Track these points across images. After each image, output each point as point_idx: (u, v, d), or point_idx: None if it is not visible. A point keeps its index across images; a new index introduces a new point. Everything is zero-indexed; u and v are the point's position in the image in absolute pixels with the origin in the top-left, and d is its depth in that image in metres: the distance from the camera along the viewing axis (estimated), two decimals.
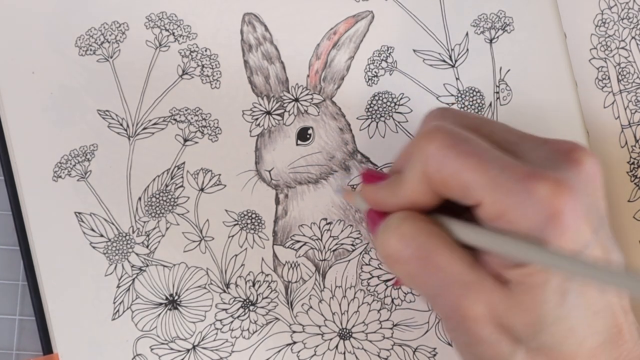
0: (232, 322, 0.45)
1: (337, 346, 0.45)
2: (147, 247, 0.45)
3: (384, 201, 0.37)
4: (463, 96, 0.47)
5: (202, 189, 0.45)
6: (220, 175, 0.46)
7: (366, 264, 0.46)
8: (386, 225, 0.36)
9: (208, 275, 0.45)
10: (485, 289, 0.34)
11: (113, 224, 0.45)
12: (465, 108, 0.47)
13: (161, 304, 0.45)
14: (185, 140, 0.46)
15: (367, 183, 0.38)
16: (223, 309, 0.45)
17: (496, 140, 0.35)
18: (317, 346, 0.45)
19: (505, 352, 0.35)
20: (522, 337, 0.34)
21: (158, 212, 0.45)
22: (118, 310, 0.45)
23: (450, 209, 0.36)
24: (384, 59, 0.47)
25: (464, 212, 0.35)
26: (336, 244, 0.46)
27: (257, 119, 0.46)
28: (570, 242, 0.33)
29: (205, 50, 0.46)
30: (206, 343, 0.45)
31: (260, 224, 0.45)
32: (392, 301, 0.45)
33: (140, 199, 0.45)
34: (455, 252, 0.35)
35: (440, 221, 0.36)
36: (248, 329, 0.45)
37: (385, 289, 0.45)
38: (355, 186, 0.46)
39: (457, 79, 0.47)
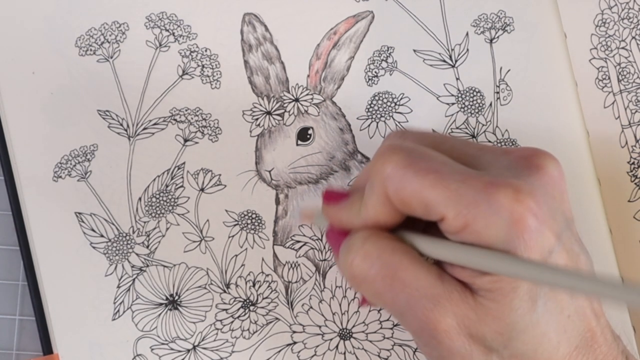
0: (232, 322, 0.45)
1: (337, 346, 0.45)
2: (148, 247, 0.45)
3: (347, 221, 0.37)
4: (463, 96, 0.47)
5: (202, 189, 0.45)
6: (220, 175, 0.46)
7: None
8: (349, 245, 0.36)
9: (208, 276, 0.45)
10: (454, 301, 0.34)
11: (113, 224, 0.45)
12: (466, 108, 0.47)
13: (161, 304, 0.45)
14: (186, 140, 0.46)
15: (329, 202, 0.38)
16: (223, 309, 0.45)
17: (457, 156, 0.35)
18: (317, 346, 0.45)
19: None
20: (494, 346, 0.34)
21: (158, 212, 0.45)
22: (118, 311, 0.45)
23: (415, 224, 0.36)
24: (384, 59, 0.47)
25: (428, 227, 0.35)
26: None
27: (257, 119, 0.46)
28: (534, 248, 0.32)
29: (205, 51, 0.46)
30: (206, 343, 0.45)
31: (260, 224, 0.45)
32: None
33: (140, 199, 0.45)
34: (421, 267, 0.34)
35: (404, 237, 0.35)
36: (248, 329, 0.45)
37: None
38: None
39: (457, 79, 0.47)
